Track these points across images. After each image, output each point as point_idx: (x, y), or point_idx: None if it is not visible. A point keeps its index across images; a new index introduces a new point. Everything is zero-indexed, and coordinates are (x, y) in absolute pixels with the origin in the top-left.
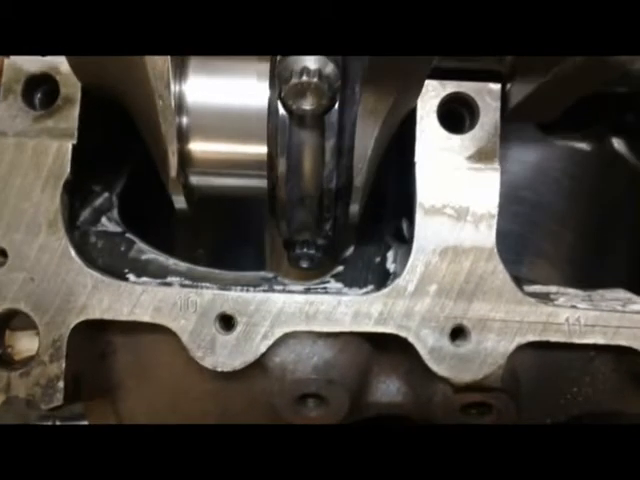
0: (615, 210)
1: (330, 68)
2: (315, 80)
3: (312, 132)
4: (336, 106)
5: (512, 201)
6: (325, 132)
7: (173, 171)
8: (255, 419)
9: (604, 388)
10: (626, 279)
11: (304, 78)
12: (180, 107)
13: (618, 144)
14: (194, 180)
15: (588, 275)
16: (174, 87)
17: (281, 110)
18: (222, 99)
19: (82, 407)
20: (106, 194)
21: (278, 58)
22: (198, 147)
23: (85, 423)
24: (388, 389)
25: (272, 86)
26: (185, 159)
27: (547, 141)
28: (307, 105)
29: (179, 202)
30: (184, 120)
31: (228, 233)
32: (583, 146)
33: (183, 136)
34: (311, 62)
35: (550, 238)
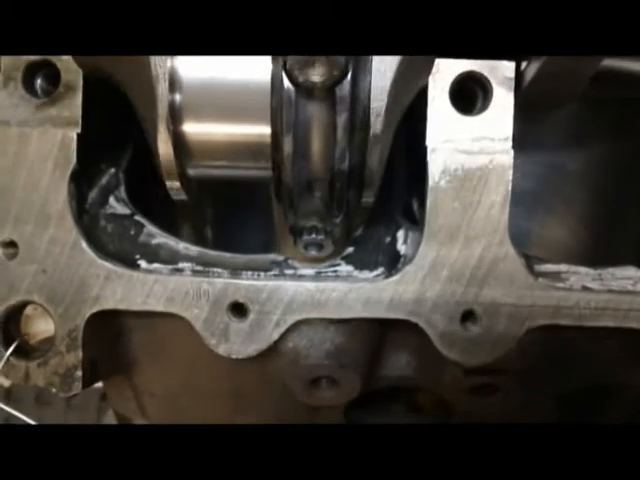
0: (630, 174)
1: None
2: None
3: (322, 107)
4: (348, 77)
5: (526, 161)
6: (336, 106)
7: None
8: (268, 397)
9: (612, 363)
10: (638, 243)
11: None
12: (172, 84)
13: (634, 107)
14: (190, 168)
15: (600, 238)
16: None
17: (286, 83)
18: (219, 73)
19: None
20: (112, 170)
21: None
22: (193, 128)
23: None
24: (398, 362)
25: (275, 57)
26: (180, 143)
27: None
28: (316, 76)
29: (178, 194)
30: (177, 98)
31: (235, 205)
32: (599, 107)
33: (176, 116)
34: None
35: (563, 198)
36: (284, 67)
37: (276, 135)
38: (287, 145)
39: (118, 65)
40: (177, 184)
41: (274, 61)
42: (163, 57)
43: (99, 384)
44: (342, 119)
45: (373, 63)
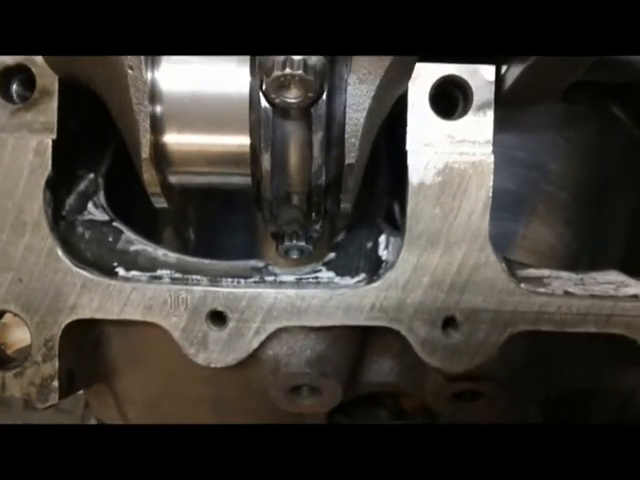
0: (613, 175)
1: (315, 57)
2: (300, 72)
3: (298, 126)
4: (324, 96)
5: (507, 161)
6: (312, 125)
7: (145, 153)
8: (249, 404)
9: (596, 366)
10: (624, 244)
11: (287, 70)
12: (153, 96)
13: (615, 107)
14: (172, 177)
15: (584, 237)
16: (146, 74)
17: (263, 102)
18: (199, 86)
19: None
20: (91, 175)
21: None
22: (174, 139)
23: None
24: (380, 369)
25: (253, 72)
26: (161, 153)
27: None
28: (291, 98)
29: (158, 201)
30: (158, 109)
31: (216, 207)
32: (579, 108)
33: (158, 128)
34: None
35: (545, 199)
36: (261, 88)
37: (255, 150)
38: (265, 162)
39: (95, 74)
40: (159, 193)
41: (252, 76)
42: (143, 68)
43: None
44: (318, 137)
45: (349, 80)
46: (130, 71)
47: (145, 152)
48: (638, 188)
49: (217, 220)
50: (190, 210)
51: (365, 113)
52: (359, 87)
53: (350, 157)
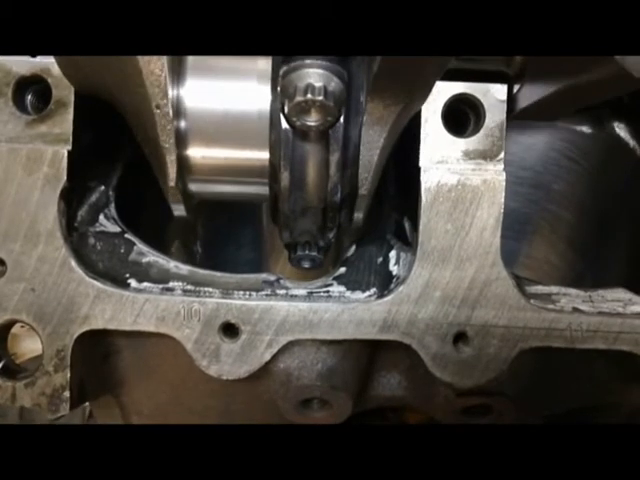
0: (618, 196)
1: (335, 83)
2: (320, 98)
3: (316, 146)
4: (341, 119)
5: (512, 181)
6: (330, 146)
7: (172, 181)
8: (257, 415)
9: (603, 383)
10: (628, 265)
11: (309, 96)
12: (178, 112)
13: (618, 127)
14: (193, 187)
15: (588, 257)
16: (171, 91)
17: (284, 123)
18: (222, 103)
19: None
20: (102, 188)
21: (281, 72)
22: (197, 153)
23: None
24: (389, 383)
25: (274, 91)
26: (184, 165)
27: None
28: (312, 122)
29: (178, 210)
30: (182, 125)
31: (224, 222)
32: (583, 128)
33: (182, 142)
34: (316, 78)
35: (549, 218)
36: (282, 111)
37: (274, 167)
38: (284, 179)
39: (121, 91)
40: (181, 203)
41: (273, 94)
42: (170, 109)
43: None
44: (335, 157)
45: (364, 121)
46: (157, 110)
47: (172, 181)
48: None
49: (224, 235)
50: (198, 225)
51: (378, 151)
52: (373, 128)
53: (363, 189)
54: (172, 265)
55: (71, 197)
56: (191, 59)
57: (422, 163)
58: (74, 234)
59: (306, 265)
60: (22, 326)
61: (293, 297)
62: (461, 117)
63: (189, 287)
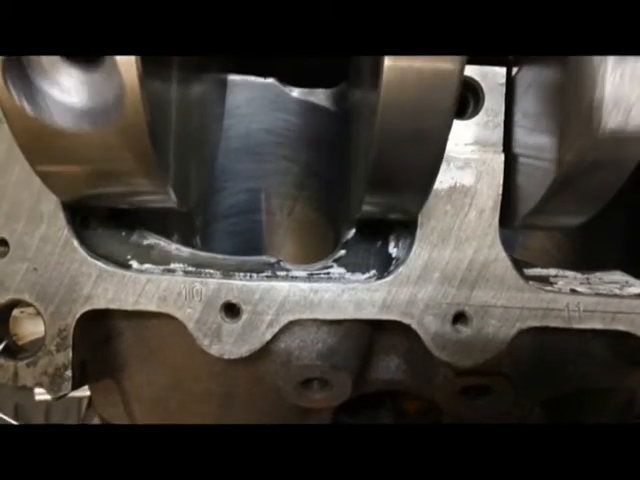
0: None
1: None
2: None
3: None
4: None
5: None
6: None
7: None
8: (258, 399)
9: (599, 366)
10: (623, 252)
11: None
12: None
13: None
14: None
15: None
16: None
17: None
18: None
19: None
20: None
21: None
22: None
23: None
24: (388, 366)
25: None
26: None
27: None
28: None
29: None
30: None
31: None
32: None
33: None
34: None
35: None
36: None
37: None
38: None
39: None
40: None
41: None
42: None
43: (81, 394)
44: None
45: None
46: None
47: None
48: (637, 199)
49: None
50: (197, 219)
51: None
52: None
53: None
54: (173, 247)
55: None
56: None
57: None
58: (77, 217)
59: None
60: (22, 311)
61: (294, 278)
62: (460, 99)
63: (190, 269)
